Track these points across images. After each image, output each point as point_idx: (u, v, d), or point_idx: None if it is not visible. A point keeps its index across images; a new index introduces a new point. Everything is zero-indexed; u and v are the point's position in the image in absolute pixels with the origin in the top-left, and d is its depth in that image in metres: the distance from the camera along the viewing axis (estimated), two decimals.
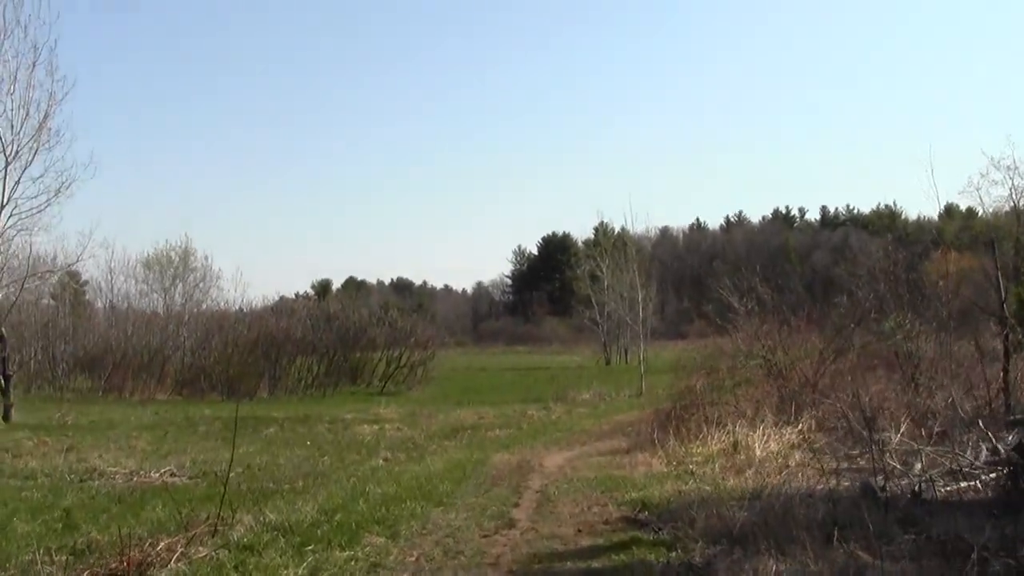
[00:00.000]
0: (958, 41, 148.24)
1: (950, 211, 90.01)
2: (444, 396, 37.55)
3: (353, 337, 46.21)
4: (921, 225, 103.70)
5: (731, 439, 15.73)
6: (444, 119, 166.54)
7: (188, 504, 11.27)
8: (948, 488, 9.68)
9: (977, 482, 9.85)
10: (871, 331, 20.43)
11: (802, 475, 11.72)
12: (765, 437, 15.33)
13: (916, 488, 9.36)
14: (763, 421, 16.04)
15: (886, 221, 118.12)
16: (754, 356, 19.45)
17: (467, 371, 57.78)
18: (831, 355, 18.13)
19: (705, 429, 16.44)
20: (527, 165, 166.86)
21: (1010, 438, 9.69)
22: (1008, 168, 44.43)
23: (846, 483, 10.60)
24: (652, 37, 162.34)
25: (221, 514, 9.43)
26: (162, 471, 15.58)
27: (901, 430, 14.51)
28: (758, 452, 14.71)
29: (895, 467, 10.18)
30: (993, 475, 9.96)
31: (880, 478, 9.85)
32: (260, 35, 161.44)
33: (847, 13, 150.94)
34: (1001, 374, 15.43)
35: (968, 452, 11.20)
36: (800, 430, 15.50)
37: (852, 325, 19.81)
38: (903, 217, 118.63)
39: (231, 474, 15.51)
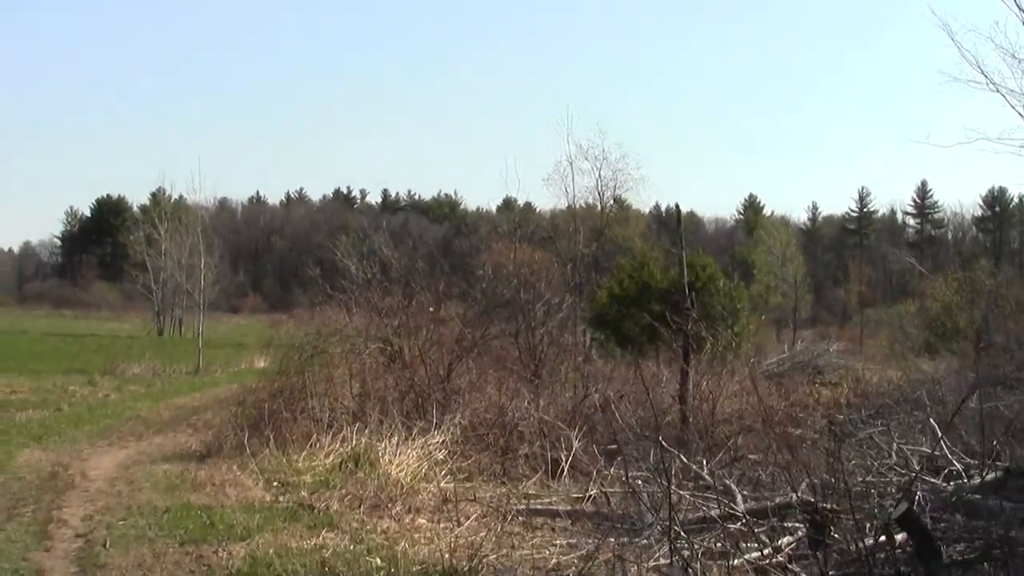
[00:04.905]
0: (522, 27, 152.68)
1: (508, 203, 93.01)
2: None
3: None
4: (480, 215, 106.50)
5: (350, 449, 11.86)
6: None
7: None
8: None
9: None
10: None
11: (500, 528, 8.04)
12: (396, 448, 11.61)
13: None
14: (392, 426, 12.22)
15: (446, 210, 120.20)
16: (374, 339, 15.41)
17: (5, 334, 50.36)
18: (472, 345, 14.69)
19: (315, 433, 12.38)
20: (79, 122, 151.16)
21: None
22: (596, 158, 44.26)
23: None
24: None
25: None
26: None
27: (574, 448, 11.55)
28: (392, 471, 10.98)
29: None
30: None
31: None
32: None
33: None
34: (679, 378, 13.00)
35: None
36: (443, 441, 11.90)
37: (495, 308, 16.57)
38: (462, 207, 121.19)
39: None
